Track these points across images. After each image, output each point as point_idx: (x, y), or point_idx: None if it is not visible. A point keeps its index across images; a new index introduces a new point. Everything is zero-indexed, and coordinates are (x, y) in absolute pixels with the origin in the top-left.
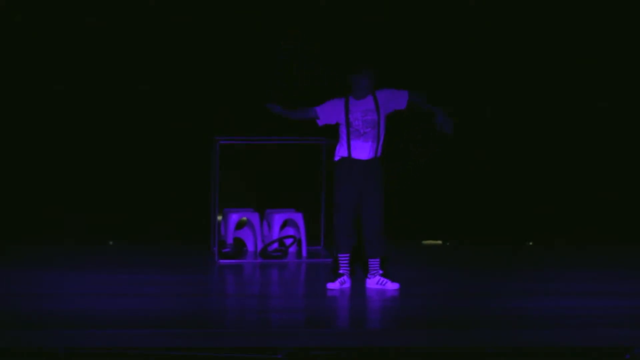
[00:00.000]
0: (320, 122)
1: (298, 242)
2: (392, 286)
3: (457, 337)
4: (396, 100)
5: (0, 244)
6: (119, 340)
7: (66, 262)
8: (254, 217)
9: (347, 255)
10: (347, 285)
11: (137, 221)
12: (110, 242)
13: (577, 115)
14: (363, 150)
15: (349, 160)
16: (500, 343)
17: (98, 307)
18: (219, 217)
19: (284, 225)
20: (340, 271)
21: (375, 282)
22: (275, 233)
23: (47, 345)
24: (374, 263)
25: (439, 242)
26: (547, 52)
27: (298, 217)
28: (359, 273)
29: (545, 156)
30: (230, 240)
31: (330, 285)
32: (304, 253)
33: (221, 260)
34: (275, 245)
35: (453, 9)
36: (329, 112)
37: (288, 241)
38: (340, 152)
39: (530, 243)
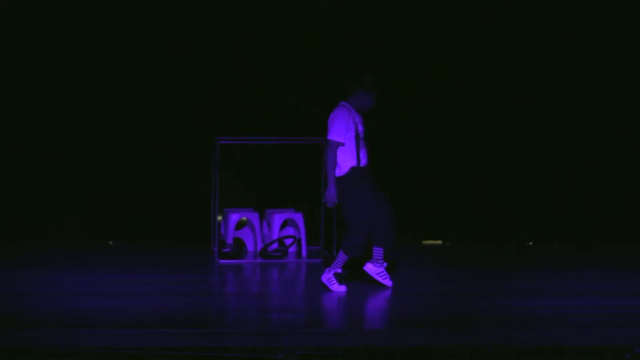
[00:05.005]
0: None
1: (298, 242)
2: (388, 284)
3: (457, 337)
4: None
5: (0, 244)
6: (119, 340)
7: (66, 261)
8: (254, 217)
9: None
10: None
11: (137, 221)
12: (110, 242)
13: (577, 115)
14: (366, 156)
15: (359, 169)
16: (500, 343)
17: (98, 307)
18: (219, 217)
19: (284, 225)
20: (342, 272)
21: (376, 273)
22: (275, 233)
23: (47, 345)
24: (379, 252)
25: (439, 242)
26: (547, 52)
27: (298, 217)
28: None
29: (545, 156)
30: (230, 240)
31: (338, 289)
32: (303, 253)
33: (221, 260)
34: (275, 245)
35: (453, 9)
36: (345, 131)
37: (288, 241)
38: (349, 162)
39: (530, 243)
